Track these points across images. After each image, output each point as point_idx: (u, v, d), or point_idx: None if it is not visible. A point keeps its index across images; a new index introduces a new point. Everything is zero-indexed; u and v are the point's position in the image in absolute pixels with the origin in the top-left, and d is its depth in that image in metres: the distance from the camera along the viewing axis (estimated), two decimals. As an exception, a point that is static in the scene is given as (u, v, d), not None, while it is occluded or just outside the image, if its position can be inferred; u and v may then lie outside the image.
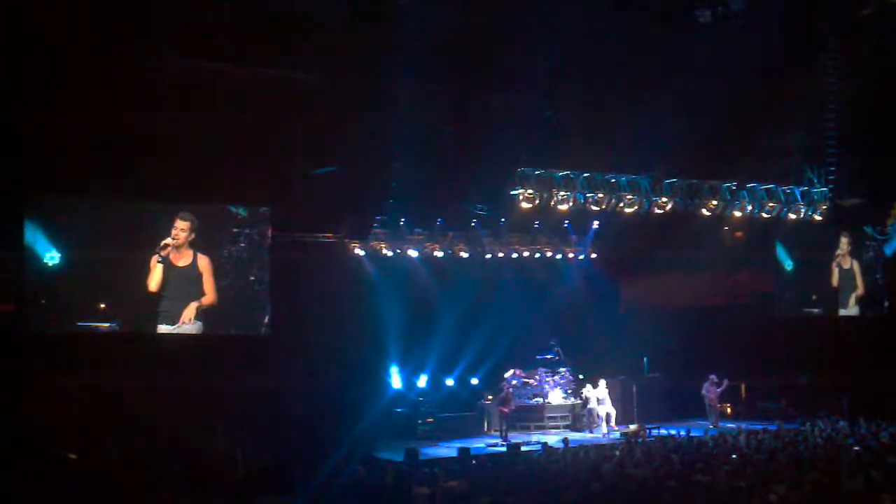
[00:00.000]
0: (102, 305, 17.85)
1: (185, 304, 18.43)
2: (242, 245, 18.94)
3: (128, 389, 17.18)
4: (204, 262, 18.66)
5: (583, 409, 21.62)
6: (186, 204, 18.58)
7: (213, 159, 17.94)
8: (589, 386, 21.64)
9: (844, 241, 24.79)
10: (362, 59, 18.72)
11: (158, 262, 18.16)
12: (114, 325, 17.84)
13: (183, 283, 18.49)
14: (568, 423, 21.89)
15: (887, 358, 22.07)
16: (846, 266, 24.83)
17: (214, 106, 17.77)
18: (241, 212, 18.99)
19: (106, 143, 16.89)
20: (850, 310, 24.76)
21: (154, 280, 18.19)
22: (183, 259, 18.47)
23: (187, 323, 18.37)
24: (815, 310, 24.73)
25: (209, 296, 18.69)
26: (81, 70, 16.68)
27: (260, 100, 18.21)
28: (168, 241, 18.25)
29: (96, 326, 17.73)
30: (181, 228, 18.37)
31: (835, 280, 24.75)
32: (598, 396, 21.32)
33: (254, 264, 19.03)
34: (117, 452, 14.42)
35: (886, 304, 24.92)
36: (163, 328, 18.26)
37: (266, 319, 19.01)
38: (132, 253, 18.12)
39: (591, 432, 20.86)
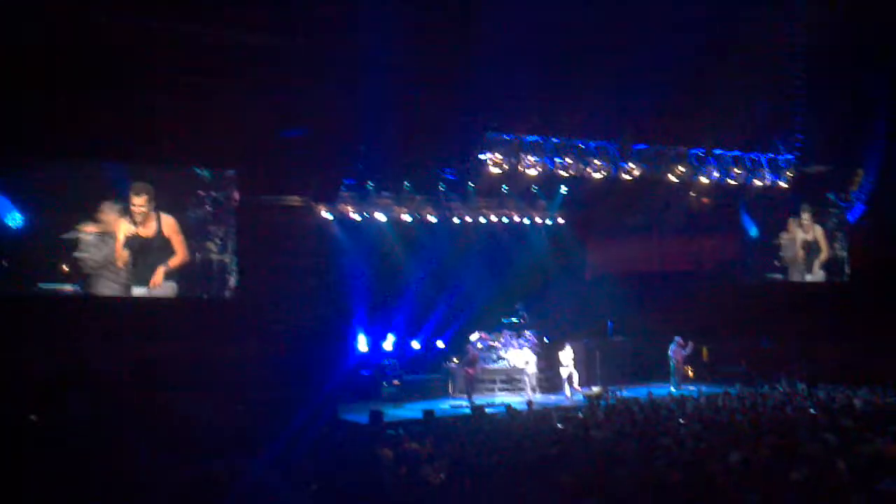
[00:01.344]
0: (65, 268, 17.65)
1: (154, 269, 18.29)
2: (208, 208, 18.77)
3: (90, 352, 17.03)
4: (169, 224, 18.44)
5: (520, 374, 21.73)
6: (151, 165, 18.36)
7: (179, 121, 17.71)
8: (527, 350, 21.75)
9: (806, 212, 25.10)
10: (330, 21, 18.52)
11: (125, 247, 17.95)
12: (76, 286, 17.66)
13: (149, 253, 18.30)
14: (532, 385, 22.04)
15: (847, 323, 22.43)
16: (809, 235, 25.15)
17: (181, 67, 17.51)
18: (206, 174, 18.79)
19: (70, 104, 16.62)
20: (816, 275, 25.13)
21: (122, 258, 18.00)
22: (147, 228, 18.25)
23: (156, 286, 18.24)
24: (778, 276, 25.06)
25: (179, 255, 18.53)
26: (42, 31, 16.34)
27: (227, 61, 17.96)
28: (129, 225, 18.04)
29: (58, 289, 17.53)
30: (139, 204, 18.15)
31: (798, 247, 25.07)
32: (564, 361, 21.42)
33: (219, 227, 18.89)
34: (79, 414, 14.34)
35: (847, 270, 25.30)
36: (136, 290, 18.13)
37: (231, 283, 18.92)
38: (96, 215, 17.90)
39: (521, 396, 20.89)
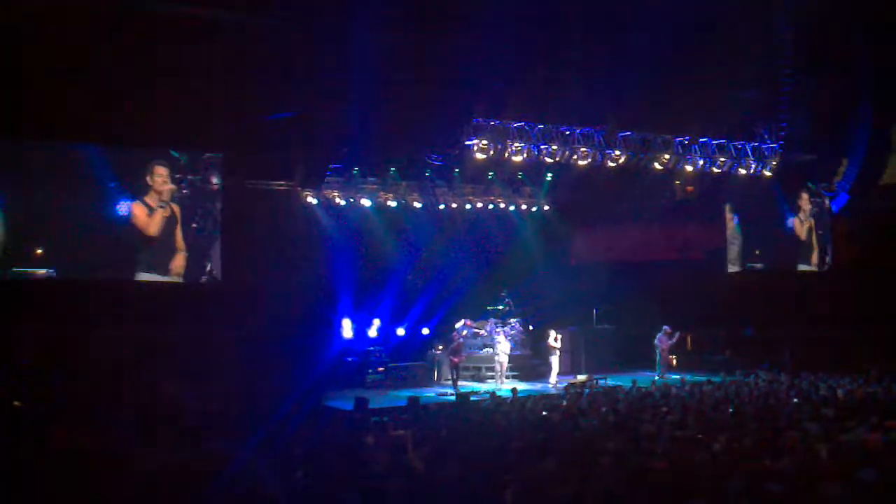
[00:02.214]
0: (39, 251, 17.40)
1: (172, 254, 18.34)
2: (185, 192, 18.68)
3: (76, 337, 16.94)
4: (178, 210, 18.51)
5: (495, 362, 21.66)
6: (132, 148, 18.25)
7: (164, 104, 17.58)
8: (502, 336, 21.72)
9: (805, 198, 25.21)
10: (318, 4, 18.43)
11: (160, 206, 18.18)
12: (50, 271, 17.43)
13: (168, 233, 18.36)
14: (517, 373, 22.08)
15: (830, 313, 22.58)
16: (807, 224, 25.29)
17: (168, 49, 17.37)
18: (182, 158, 18.65)
19: (50, 82, 16.44)
20: (813, 266, 25.30)
21: (154, 226, 18.05)
22: (168, 209, 18.36)
23: (176, 272, 18.31)
24: (758, 265, 25.16)
25: (179, 243, 18.56)
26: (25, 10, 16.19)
27: (213, 44, 17.83)
28: (169, 188, 18.13)
29: (31, 272, 17.30)
30: (164, 176, 18.19)
31: (803, 235, 25.20)
32: (555, 346, 21.32)
33: (196, 212, 18.79)
34: (63, 399, 14.28)
35: (829, 259, 25.44)
36: (145, 276, 18.14)
37: (208, 268, 18.82)
38: (77, 198, 17.69)
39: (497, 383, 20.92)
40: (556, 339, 21.30)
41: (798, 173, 24.74)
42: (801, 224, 25.23)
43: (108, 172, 17.85)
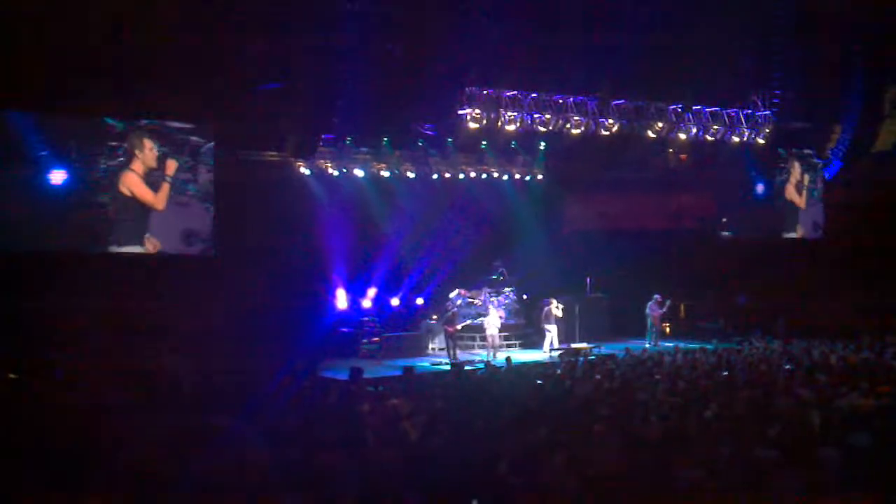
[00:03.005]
0: None
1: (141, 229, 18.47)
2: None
3: (71, 311, 16.89)
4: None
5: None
6: (119, 119, 18.16)
7: (152, 73, 17.45)
8: (492, 307, 21.73)
9: (797, 166, 25.21)
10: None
11: (166, 181, 18.41)
12: None
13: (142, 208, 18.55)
14: (512, 342, 22.11)
15: (822, 280, 22.65)
16: (799, 192, 25.32)
17: (155, 20, 17.22)
18: (119, 125, 18.39)
19: (38, 53, 16.29)
20: (799, 234, 25.41)
21: (161, 199, 18.24)
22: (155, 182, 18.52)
23: (150, 248, 18.47)
24: (726, 233, 25.28)
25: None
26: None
27: (204, 15, 17.67)
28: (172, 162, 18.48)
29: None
30: (153, 149, 18.29)
31: (802, 203, 25.29)
32: (558, 316, 21.31)
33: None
34: (60, 372, 14.28)
35: (822, 227, 25.50)
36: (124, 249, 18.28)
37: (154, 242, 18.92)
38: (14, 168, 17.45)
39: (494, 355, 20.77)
40: (557, 307, 21.22)
41: (792, 140, 24.72)
42: (796, 192, 25.24)
43: (38, 141, 17.46)
